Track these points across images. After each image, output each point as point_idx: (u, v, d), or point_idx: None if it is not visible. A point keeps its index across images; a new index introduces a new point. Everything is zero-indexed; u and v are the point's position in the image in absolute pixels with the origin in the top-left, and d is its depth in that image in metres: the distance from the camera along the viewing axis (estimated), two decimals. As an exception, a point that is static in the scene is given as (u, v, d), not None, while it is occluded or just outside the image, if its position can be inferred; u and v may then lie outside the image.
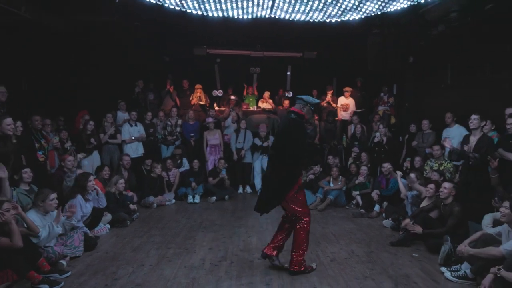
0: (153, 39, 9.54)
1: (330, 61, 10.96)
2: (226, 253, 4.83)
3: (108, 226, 5.82)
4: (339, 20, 7.71)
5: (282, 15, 7.55)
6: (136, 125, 8.36)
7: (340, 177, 7.63)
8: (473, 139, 5.40)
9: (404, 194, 6.32)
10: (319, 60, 11.00)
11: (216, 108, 10.54)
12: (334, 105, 10.44)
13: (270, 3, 6.94)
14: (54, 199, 4.49)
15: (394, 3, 6.85)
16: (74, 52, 8.86)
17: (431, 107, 8.51)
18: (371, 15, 7.41)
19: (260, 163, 8.83)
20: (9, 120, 4.70)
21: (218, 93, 10.84)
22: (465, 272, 3.97)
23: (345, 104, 10.21)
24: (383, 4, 6.85)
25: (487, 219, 4.46)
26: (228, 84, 11.06)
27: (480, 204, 5.06)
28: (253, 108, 10.86)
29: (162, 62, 10.87)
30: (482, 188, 5.28)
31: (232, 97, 10.06)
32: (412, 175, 6.24)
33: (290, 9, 7.22)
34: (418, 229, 4.98)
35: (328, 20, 7.76)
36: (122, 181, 6.52)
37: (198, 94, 10.29)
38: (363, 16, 7.51)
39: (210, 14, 7.52)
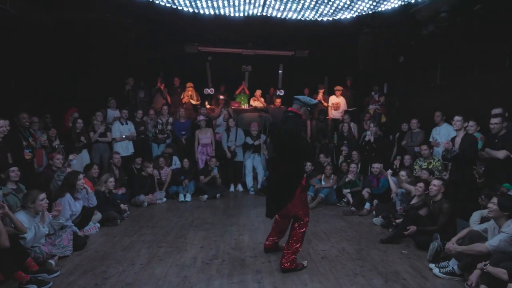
0: (144, 36, 9.46)
1: (322, 60, 10.99)
2: (218, 252, 4.83)
3: (98, 225, 5.77)
4: (331, 19, 7.73)
5: (274, 14, 7.55)
6: (126, 123, 8.29)
7: (332, 175, 7.67)
8: (457, 139, 5.51)
9: (395, 191, 6.38)
10: (311, 58, 11.02)
11: (208, 106, 10.51)
12: (325, 104, 10.48)
13: (262, 1, 6.93)
14: (44, 199, 4.44)
15: (385, 3, 6.88)
16: (63, 49, 8.75)
17: (421, 107, 8.59)
18: (363, 14, 7.44)
19: (251, 161, 8.83)
20: None
21: (210, 91, 10.80)
22: (453, 268, 4.03)
23: (336, 103, 10.26)
24: (375, 3, 6.88)
25: (475, 216, 4.53)
26: (220, 82, 11.03)
27: (468, 202, 5.13)
28: (245, 106, 10.84)
29: (153, 59, 10.78)
30: (470, 186, 5.35)
31: (221, 97, 10.01)
32: (403, 173, 6.29)
33: (282, 7, 7.22)
34: (413, 228, 5.03)
35: (320, 19, 7.78)
36: (112, 179, 6.46)
37: (189, 92, 10.24)
38: (354, 15, 7.54)
39: (202, 12, 7.49)
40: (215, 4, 7.12)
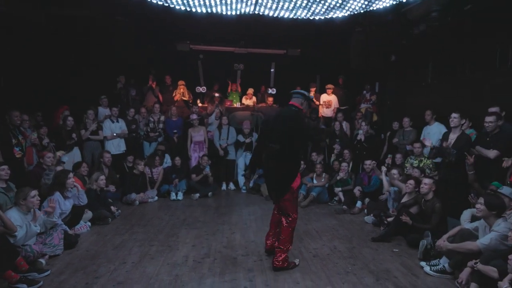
0: (136, 34, 9.39)
1: (314, 58, 11.00)
2: (209, 250, 4.82)
3: (89, 223, 5.73)
4: (323, 17, 7.74)
5: (266, 12, 7.54)
6: (117, 121, 8.23)
7: (324, 174, 7.70)
8: (453, 137, 5.51)
9: (387, 189, 6.42)
10: (303, 57, 11.04)
11: (200, 104, 10.47)
12: (317, 102, 10.51)
13: (254, 0, 6.93)
14: (35, 196, 4.41)
15: (377, 2, 6.91)
16: (54, 47, 8.64)
17: (412, 106, 8.64)
18: (355, 13, 7.46)
19: (243, 160, 8.83)
20: None
21: (202, 89, 10.76)
22: (443, 266, 4.07)
23: (328, 101, 10.30)
24: (367, 2, 6.91)
25: (466, 214, 4.59)
26: (212, 81, 11.00)
27: (458, 200, 5.18)
28: (237, 105, 10.83)
29: (144, 57, 10.70)
30: (460, 184, 5.40)
31: (216, 95, 10.01)
32: (395, 171, 6.34)
33: (274, 6, 7.22)
34: (408, 220, 5.07)
35: (312, 18, 7.79)
36: (102, 177, 6.40)
37: (181, 90, 10.20)
38: (346, 14, 7.56)
39: (194, 10, 7.45)
40: (207, 2, 7.09)
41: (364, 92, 10.21)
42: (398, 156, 7.26)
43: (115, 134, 8.07)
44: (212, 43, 10.73)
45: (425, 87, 8.64)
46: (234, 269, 4.24)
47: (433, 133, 7.04)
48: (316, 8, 7.23)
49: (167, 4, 7.11)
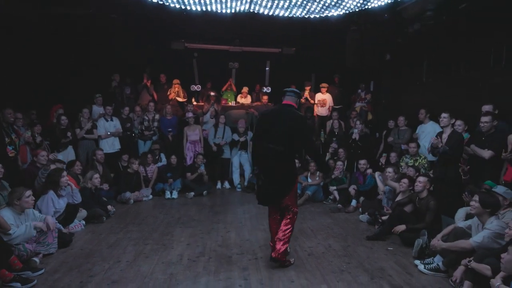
0: (131, 33, 9.33)
1: (309, 57, 11.01)
2: (204, 249, 4.81)
3: (83, 222, 5.70)
4: (318, 16, 7.74)
5: (261, 10, 7.53)
6: (112, 120, 8.19)
7: (318, 172, 7.70)
8: (444, 136, 5.56)
9: (382, 190, 6.45)
10: (298, 56, 11.04)
11: (195, 103, 10.45)
12: (312, 101, 10.53)
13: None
14: (30, 196, 4.39)
15: (373, 0, 6.92)
16: (48, 45, 8.57)
17: (407, 104, 8.68)
18: (351, 11, 7.47)
19: (238, 158, 8.83)
20: None
21: (196, 88, 10.74)
22: (437, 264, 4.09)
23: (322, 99, 10.32)
24: (363, 0, 6.92)
25: (460, 212, 4.62)
26: (207, 79, 10.97)
27: (453, 199, 5.22)
28: (232, 103, 10.82)
29: (140, 55, 10.64)
30: (454, 183, 5.43)
31: (212, 93, 9.98)
32: (390, 170, 6.36)
33: (270, 4, 7.20)
34: (402, 227, 5.09)
35: (307, 16, 7.79)
36: (96, 175, 6.37)
37: (176, 88, 10.17)
38: (341, 13, 7.57)
39: (190, 8, 7.42)
40: (202, 0, 7.06)
41: (359, 91, 10.24)
42: (393, 155, 7.30)
43: (109, 133, 8.04)
44: (207, 42, 10.71)
45: (420, 85, 8.67)
46: (229, 267, 4.23)
47: (427, 131, 7.07)
48: (311, 6, 7.23)
49: (161, 2, 7.08)
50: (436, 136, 5.64)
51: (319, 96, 10.37)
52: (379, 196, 6.68)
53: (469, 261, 3.54)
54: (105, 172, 7.28)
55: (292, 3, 7.13)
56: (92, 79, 9.31)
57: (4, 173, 5.09)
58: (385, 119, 8.61)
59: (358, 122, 8.40)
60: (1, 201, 4.76)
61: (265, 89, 10.98)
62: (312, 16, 7.78)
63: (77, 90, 9.09)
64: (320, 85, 10.37)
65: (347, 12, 7.51)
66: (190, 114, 8.90)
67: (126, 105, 9.06)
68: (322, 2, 7.02)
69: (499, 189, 4.20)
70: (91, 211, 5.89)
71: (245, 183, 8.61)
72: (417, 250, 4.54)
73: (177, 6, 7.26)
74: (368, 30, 8.64)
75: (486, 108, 5.61)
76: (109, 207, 6.33)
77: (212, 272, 4.10)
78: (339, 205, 6.97)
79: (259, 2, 7.11)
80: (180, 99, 10.27)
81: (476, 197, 3.94)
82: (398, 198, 5.76)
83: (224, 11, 7.57)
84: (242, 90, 10.97)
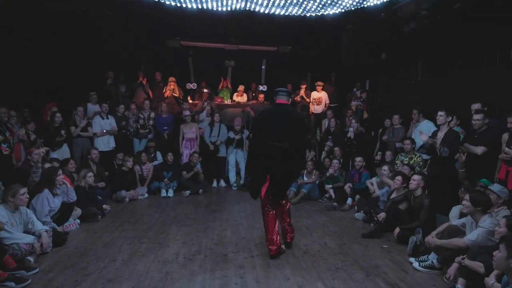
0: (125, 30, 9.28)
1: (305, 56, 11.02)
2: (200, 247, 4.81)
3: (78, 221, 5.67)
4: (314, 14, 7.74)
5: (257, 9, 7.52)
6: (107, 117, 8.15)
7: (314, 170, 7.72)
8: (441, 134, 5.58)
9: (377, 195, 6.49)
10: (294, 54, 11.05)
11: (190, 101, 10.42)
12: (307, 99, 10.54)
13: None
14: (24, 194, 4.36)
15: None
16: (41, 43, 8.50)
17: (403, 103, 8.70)
18: (348, 10, 7.47)
19: (234, 157, 8.82)
20: None
21: (192, 86, 10.71)
22: (432, 262, 4.12)
23: (318, 97, 10.34)
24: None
25: (455, 210, 4.64)
26: (202, 77, 10.94)
27: (447, 197, 5.24)
28: (228, 101, 10.81)
29: (135, 53, 10.59)
30: (449, 181, 5.46)
31: (205, 90, 9.95)
32: (385, 168, 6.40)
33: (266, 2, 7.19)
34: (396, 230, 5.12)
35: (304, 15, 7.78)
36: (90, 174, 6.33)
37: (171, 86, 10.13)
38: (337, 12, 7.57)
39: (185, 6, 7.39)
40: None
41: (355, 89, 10.26)
42: (388, 153, 7.33)
43: (105, 131, 8.00)
44: (203, 40, 10.67)
45: (415, 84, 8.70)
46: (224, 266, 4.23)
47: (422, 130, 7.09)
48: (307, 4, 7.23)
49: (157, 0, 7.04)
50: (430, 136, 5.66)
51: (314, 95, 10.39)
52: (374, 194, 6.70)
53: (463, 259, 3.57)
54: (99, 171, 7.25)
55: (288, 2, 7.12)
56: (87, 77, 9.25)
57: (-2, 171, 5.05)
58: (381, 117, 8.64)
59: (353, 121, 8.42)
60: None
61: (261, 88, 10.97)
62: (308, 15, 7.78)
63: (72, 88, 9.04)
64: (316, 84, 10.39)
65: (343, 10, 7.51)
66: (187, 112, 8.87)
67: (121, 103, 9.03)
68: (318, 1, 7.02)
69: (495, 187, 4.23)
70: (86, 209, 5.86)
71: (241, 182, 8.61)
72: (411, 247, 4.57)
73: (173, 3, 7.23)
74: (364, 29, 8.64)
75: (475, 106, 5.69)
76: (104, 206, 6.30)
77: (208, 270, 4.10)
78: (334, 203, 6.99)
79: (255, 0, 7.09)
80: (176, 95, 10.23)
81: (467, 196, 3.97)
82: (393, 195, 5.80)
83: (220, 9, 7.55)
84: (238, 89, 10.96)
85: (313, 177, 7.66)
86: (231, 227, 5.70)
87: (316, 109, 10.33)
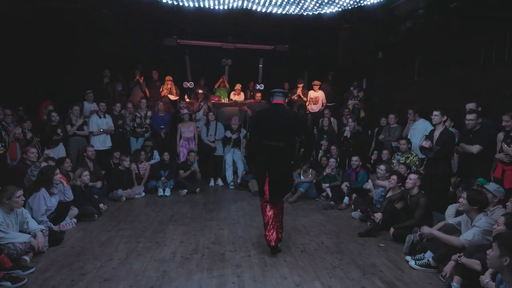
0: (122, 28, 9.25)
1: (302, 54, 11.02)
2: (197, 246, 4.80)
3: (75, 220, 5.65)
4: (312, 13, 7.74)
5: (254, 7, 7.51)
6: (104, 116, 8.12)
7: (311, 170, 7.73)
8: (436, 133, 5.63)
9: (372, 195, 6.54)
10: (291, 53, 11.05)
11: (187, 100, 10.40)
12: (304, 98, 10.55)
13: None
14: (20, 196, 4.33)
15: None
16: (37, 41, 8.46)
17: (399, 102, 8.74)
18: (346, 8, 7.48)
19: (231, 155, 8.81)
20: None
21: (189, 84, 10.69)
22: (428, 260, 4.14)
23: (315, 97, 10.35)
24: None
25: (450, 209, 4.67)
26: (199, 76, 10.92)
27: (444, 195, 5.27)
28: (225, 100, 10.80)
29: (132, 52, 10.55)
30: (445, 180, 5.49)
31: (200, 91, 9.91)
32: (382, 167, 6.41)
33: (263, 1, 7.18)
34: (392, 229, 5.14)
35: (300, 14, 7.78)
36: (86, 172, 6.29)
37: (168, 85, 10.11)
38: (334, 11, 7.57)
39: (181, 4, 7.37)
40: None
41: (352, 88, 10.28)
42: (385, 152, 7.35)
43: (101, 130, 7.97)
44: (200, 38, 10.65)
45: (411, 83, 8.73)
46: (222, 265, 4.23)
47: (418, 129, 7.14)
48: (305, 3, 7.23)
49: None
50: (427, 139, 5.68)
51: (311, 94, 10.40)
52: (370, 193, 6.72)
53: (459, 257, 3.58)
54: (95, 169, 7.22)
55: (286, 0, 7.12)
56: (83, 76, 9.22)
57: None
58: (378, 116, 8.66)
59: (350, 120, 8.44)
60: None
61: (258, 87, 10.97)
62: (305, 14, 7.78)
63: (68, 86, 9.00)
64: (313, 83, 10.40)
65: (341, 9, 7.52)
66: (185, 111, 8.85)
67: (118, 101, 9.00)
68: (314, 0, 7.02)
69: (491, 186, 4.26)
70: (82, 209, 5.83)
71: (238, 181, 8.60)
72: (408, 246, 4.58)
73: (170, 2, 7.21)
74: (361, 28, 8.67)
75: (470, 106, 5.72)
76: (101, 205, 6.28)
77: (205, 269, 4.10)
78: (331, 202, 7.00)
79: (251, -1, 7.10)
80: (172, 97, 10.21)
81: (465, 195, 3.99)
82: (389, 194, 5.81)
83: (217, 7, 7.54)
84: (235, 87, 10.95)
85: (310, 176, 7.66)
86: (228, 226, 5.70)
87: (313, 108, 10.34)
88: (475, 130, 5.36)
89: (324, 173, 7.58)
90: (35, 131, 6.96)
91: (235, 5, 7.43)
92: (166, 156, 8.15)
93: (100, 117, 8.04)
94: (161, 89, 10.14)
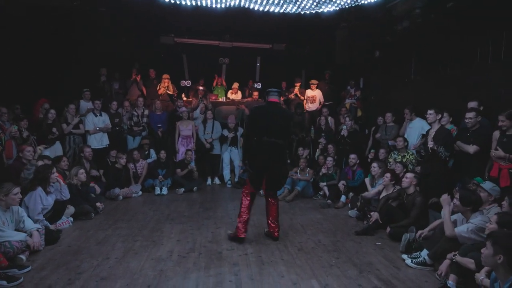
0: (119, 27, 9.22)
1: (299, 53, 11.02)
2: (194, 245, 4.81)
3: (71, 219, 5.63)
4: (309, 12, 7.75)
5: (252, 6, 7.50)
6: (101, 115, 8.09)
7: (308, 168, 7.75)
8: (432, 131, 5.65)
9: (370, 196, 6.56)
10: (288, 52, 11.05)
11: (184, 98, 10.39)
12: (301, 97, 10.55)
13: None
14: (17, 193, 4.32)
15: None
16: (33, 39, 8.41)
17: (396, 101, 8.75)
18: (343, 8, 7.49)
19: (229, 154, 8.82)
20: None
21: (186, 83, 10.68)
22: (424, 258, 4.16)
23: (312, 96, 10.36)
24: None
25: (446, 208, 4.68)
26: (196, 74, 10.91)
27: (440, 194, 5.27)
28: (222, 99, 10.79)
29: (129, 50, 10.52)
30: (441, 178, 5.50)
31: (201, 88, 9.94)
32: (375, 165, 6.44)
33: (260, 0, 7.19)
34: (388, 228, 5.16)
35: (298, 12, 7.79)
36: (82, 171, 6.25)
37: (165, 84, 10.09)
38: (331, 9, 7.58)
39: (179, 2, 7.35)
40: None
41: (349, 87, 10.29)
42: (382, 151, 7.37)
43: (98, 128, 7.95)
44: (197, 37, 10.64)
45: (408, 82, 8.75)
46: (219, 263, 4.23)
47: (415, 128, 7.17)
48: (303, 2, 7.23)
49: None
50: (425, 139, 5.69)
51: (309, 93, 10.40)
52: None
53: (454, 255, 3.61)
54: (92, 168, 7.20)
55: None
56: (80, 74, 9.19)
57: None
58: (375, 115, 8.67)
59: (347, 119, 8.45)
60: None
61: (255, 85, 10.97)
62: (303, 13, 7.79)
63: (65, 85, 8.96)
64: (310, 82, 10.40)
65: (338, 8, 7.53)
66: (183, 109, 8.83)
67: (114, 100, 8.96)
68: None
69: (486, 185, 4.28)
70: (79, 207, 5.82)
71: (236, 179, 8.61)
72: (404, 244, 4.61)
73: (167, 0, 7.19)
74: (358, 27, 8.68)
75: (472, 104, 5.71)
76: (97, 204, 6.25)
77: (202, 268, 4.10)
78: (328, 200, 7.02)
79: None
80: (170, 92, 10.19)
81: (457, 195, 4.01)
82: (383, 193, 5.83)
83: (215, 6, 7.52)
84: (233, 86, 10.95)
85: (307, 175, 7.67)
86: (226, 224, 5.70)
87: (310, 107, 10.35)
88: (473, 130, 5.34)
89: (321, 173, 7.59)
90: (31, 129, 6.93)
91: (232, 4, 7.42)
92: (163, 154, 8.14)
93: (96, 115, 8.00)
94: (158, 88, 10.12)
